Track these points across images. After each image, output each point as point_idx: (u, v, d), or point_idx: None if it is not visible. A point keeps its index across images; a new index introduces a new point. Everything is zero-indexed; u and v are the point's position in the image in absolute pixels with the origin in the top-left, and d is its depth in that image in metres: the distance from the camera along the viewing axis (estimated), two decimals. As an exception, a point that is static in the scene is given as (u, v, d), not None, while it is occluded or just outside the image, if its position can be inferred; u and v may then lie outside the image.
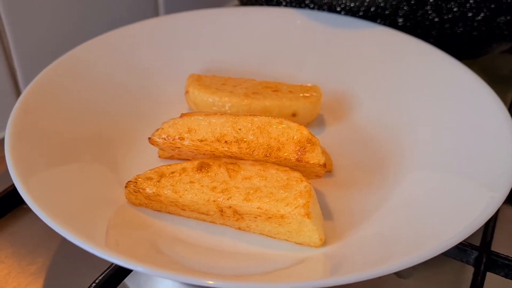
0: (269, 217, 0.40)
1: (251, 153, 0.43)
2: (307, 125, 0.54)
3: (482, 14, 0.56)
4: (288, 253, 0.41)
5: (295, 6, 0.65)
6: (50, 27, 0.62)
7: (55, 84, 0.51)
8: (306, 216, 0.39)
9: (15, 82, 0.62)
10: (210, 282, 0.34)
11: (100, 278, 0.40)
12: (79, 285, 0.41)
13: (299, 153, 0.43)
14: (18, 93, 0.62)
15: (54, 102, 0.50)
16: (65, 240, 0.36)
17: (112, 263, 0.40)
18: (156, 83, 0.58)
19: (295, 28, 0.64)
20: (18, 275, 0.45)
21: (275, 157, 0.43)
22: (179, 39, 0.62)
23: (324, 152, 0.45)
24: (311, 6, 0.64)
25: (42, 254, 0.47)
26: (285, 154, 0.43)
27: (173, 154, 0.48)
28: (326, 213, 0.45)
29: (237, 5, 0.69)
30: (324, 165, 0.43)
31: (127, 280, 0.44)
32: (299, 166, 0.43)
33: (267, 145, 0.43)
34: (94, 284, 0.39)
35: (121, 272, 0.41)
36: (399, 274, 0.46)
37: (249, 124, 0.44)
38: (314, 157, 0.42)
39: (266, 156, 0.43)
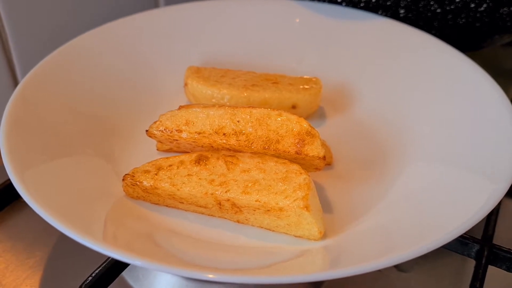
0: (268, 210, 0.40)
1: (250, 145, 0.43)
2: (307, 117, 0.54)
3: (484, 5, 0.56)
4: (288, 246, 0.41)
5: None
6: (48, 18, 0.61)
7: (52, 75, 0.51)
8: (305, 209, 0.39)
9: (14, 75, 0.62)
10: (211, 276, 0.34)
11: (97, 271, 0.39)
12: (77, 278, 0.40)
13: (298, 145, 0.42)
14: (16, 86, 0.62)
15: (51, 93, 0.49)
16: (63, 234, 0.36)
17: (109, 257, 0.40)
18: (155, 75, 0.58)
19: (296, 20, 0.63)
20: (16, 268, 0.45)
21: (274, 150, 0.43)
22: (178, 31, 0.61)
23: (324, 145, 0.45)
24: (312, -3, 0.64)
25: (40, 247, 0.46)
26: (284, 147, 0.42)
27: (172, 146, 0.48)
28: (326, 206, 0.45)
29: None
30: (324, 157, 0.42)
31: (126, 274, 0.44)
32: (298, 159, 0.43)
33: (266, 138, 0.43)
34: (91, 278, 0.39)
35: (119, 266, 0.41)
36: (400, 268, 0.45)
37: (248, 116, 0.43)
38: (314, 150, 0.42)
39: (264, 148, 0.43)
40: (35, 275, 0.44)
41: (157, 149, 0.50)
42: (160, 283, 0.44)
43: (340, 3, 0.62)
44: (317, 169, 0.44)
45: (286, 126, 0.43)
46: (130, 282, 0.44)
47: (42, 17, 0.61)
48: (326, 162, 0.44)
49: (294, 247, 0.41)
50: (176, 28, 0.62)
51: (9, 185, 0.48)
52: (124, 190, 0.45)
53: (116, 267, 0.41)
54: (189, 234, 0.42)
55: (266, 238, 0.42)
